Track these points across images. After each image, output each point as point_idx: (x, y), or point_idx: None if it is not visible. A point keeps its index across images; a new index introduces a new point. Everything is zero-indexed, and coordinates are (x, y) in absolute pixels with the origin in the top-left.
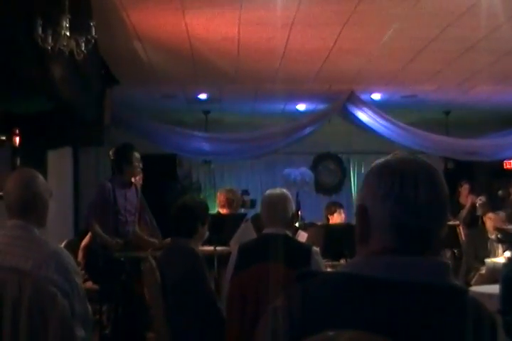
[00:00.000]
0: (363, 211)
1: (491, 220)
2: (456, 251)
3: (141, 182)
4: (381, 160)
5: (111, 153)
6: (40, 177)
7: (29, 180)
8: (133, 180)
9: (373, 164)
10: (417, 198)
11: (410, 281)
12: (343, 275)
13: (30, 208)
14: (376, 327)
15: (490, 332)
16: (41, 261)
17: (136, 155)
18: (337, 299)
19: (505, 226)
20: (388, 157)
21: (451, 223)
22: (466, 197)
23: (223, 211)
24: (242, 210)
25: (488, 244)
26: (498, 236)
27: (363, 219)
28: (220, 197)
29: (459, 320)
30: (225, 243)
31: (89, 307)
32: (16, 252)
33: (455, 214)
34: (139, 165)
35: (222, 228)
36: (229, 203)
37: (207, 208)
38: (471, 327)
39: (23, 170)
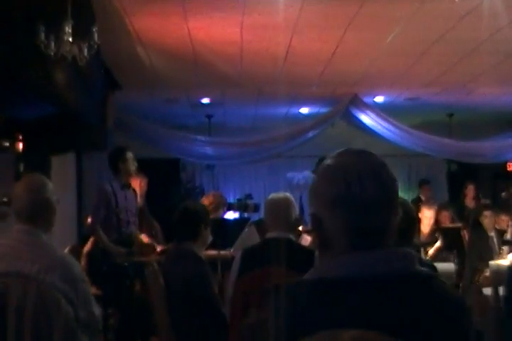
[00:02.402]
0: (316, 219)
1: (487, 218)
2: (460, 253)
3: (146, 188)
4: (325, 163)
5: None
6: (49, 183)
7: (40, 185)
8: (138, 189)
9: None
10: (363, 197)
11: (377, 274)
12: (311, 283)
13: (39, 213)
14: (353, 324)
15: (462, 314)
16: (47, 267)
17: (130, 154)
18: (313, 305)
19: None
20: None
21: (455, 225)
22: (472, 198)
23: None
24: (246, 214)
25: (490, 243)
26: (504, 238)
27: (319, 227)
28: (205, 201)
29: (429, 305)
30: (228, 247)
31: (97, 313)
32: (22, 256)
33: (459, 217)
34: (133, 163)
35: (226, 232)
36: (216, 206)
37: (208, 211)
38: (442, 310)
39: (32, 175)
